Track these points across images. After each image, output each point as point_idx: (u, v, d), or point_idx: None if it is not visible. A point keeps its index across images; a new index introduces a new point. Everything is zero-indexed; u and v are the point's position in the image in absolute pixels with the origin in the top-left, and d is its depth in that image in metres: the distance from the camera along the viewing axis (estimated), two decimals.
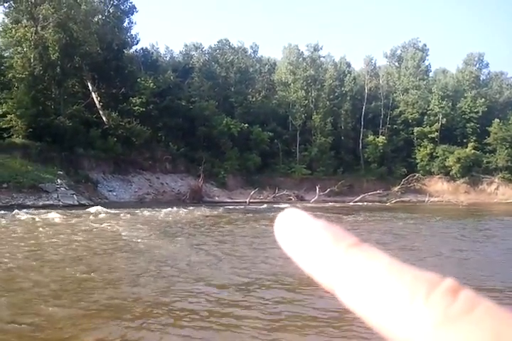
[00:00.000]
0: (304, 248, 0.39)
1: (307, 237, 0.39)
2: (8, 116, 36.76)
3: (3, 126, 36.71)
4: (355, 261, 0.37)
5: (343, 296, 0.37)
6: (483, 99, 69.52)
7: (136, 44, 55.83)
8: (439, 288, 0.33)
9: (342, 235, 0.39)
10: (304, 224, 0.40)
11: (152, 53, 61.12)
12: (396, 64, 79.05)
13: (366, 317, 0.35)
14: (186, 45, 68.12)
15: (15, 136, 36.86)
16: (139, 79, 49.60)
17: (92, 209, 26.00)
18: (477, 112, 69.01)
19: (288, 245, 0.40)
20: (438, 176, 66.78)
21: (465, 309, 0.32)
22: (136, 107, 47.49)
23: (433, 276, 0.34)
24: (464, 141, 68.46)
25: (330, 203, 45.54)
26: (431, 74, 79.72)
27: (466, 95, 71.17)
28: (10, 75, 38.94)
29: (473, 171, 66.18)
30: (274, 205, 40.76)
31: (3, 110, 36.69)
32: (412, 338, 0.33)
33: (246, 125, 55.85)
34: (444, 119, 68.39)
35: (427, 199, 56.04)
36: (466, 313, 0.31)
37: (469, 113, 69.67)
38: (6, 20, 42.18)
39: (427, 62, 77.77)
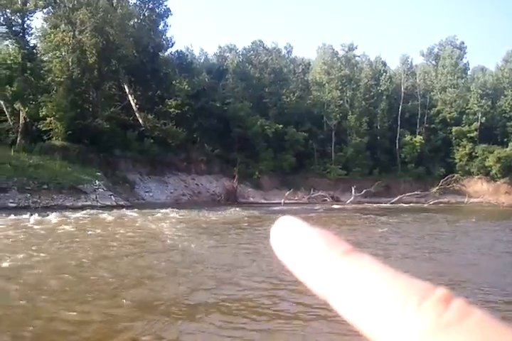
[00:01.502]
0: (297, 255, 0.39)
1: (301, 245, 0.39)
2: (48, 119, 37.68)
3: (44, 129, 37.71)
4: (348, 269, 0.37)
5: (336, 304, 0.37)
6: None
7: (171, 47, 56.28)
8: (431, 296, 0.33)
9: (336, 243, 0.39)
10: (299, 231, 0.40)
11: (187, 56, 61.48)
12: (433, 62, 77.45)
13: (358, 325, 0.36)
14: (220, 47, 68.54)
15: (54, 138, 37.78)
16: (174, 82, 50.11)
17: (131, 210, 26.35)
18: None
19: (283, 253, 0.41)
20: (478, 176, 65.06)
21: (456, 318, 0.32)
22: (172, 109, 47.96)
23: (425, 284, 0.35)
24: (505, 140, 66.30)
25: (366, 204, 44.87)
26: (469, 73, 77.73)
27: (506, 93, 69.14)
28: (49, 79, 39.84)
29: None
30: (310, 206, 40.50)
31: (43, 113, 37.55)
32: None
33: (280, 126, 55.56)
34: (484, 118, 66.71)
35: (466, 200, 54.86)
36: (458, 322, 0.32)
37: (510, 111, 67.62)
38: (45, 25, 43.11)
39: (465, 60, 75.84)
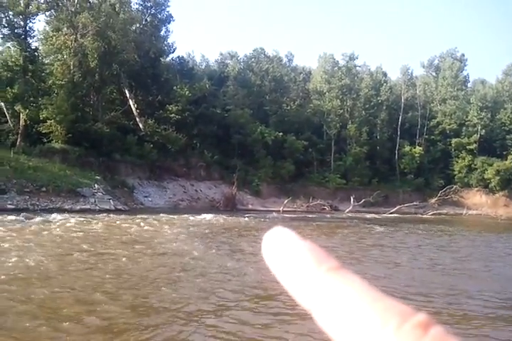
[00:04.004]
0: (286, 267, 0.40)
1: (290, 257, 0.40)
2: (48, 122, 37.48)
3: (44, 131, 37.54)
4: (333, 285, 0.38)
5: (319, 318, 0.37)
6: None
7: (173, 52, 56.41)
8: (410, 320, 0.33)
9: (324, 258, 0.40)
10: (290, 243, 0.41)
11: (188, 62, 61.61)
12: (433, 74, 77.84)
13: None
14: (222, 54, 68.81)
15: (54, 141, 37.61)
16: (175, 87, 50.00)
17: (129, 214, 26.17)
18: None
19: (272, 262, 0.41)
20: (476, 189, 64.86)
21: None
22: (172, 115, 47.81)
23: (407, 308, 0.35)
24: (504, 152, 66.47)
25: (364, 214, 44.69)
26: (469, 85, 78.18)
27: (505, 106, 69.41)
28: (50, 82, 39.78)
29: None
30: (307, 214, 40.33)
31: (44, 116, 37.36)
32: None
33: (280, 133, 55.49)
34: (483, 130, 66.81)
35: (464, 212, 54.72)
36: None
37: (509, 124, 67.83)
38: (47, 28, 43.22)
39: (465, 73, 76.31)
